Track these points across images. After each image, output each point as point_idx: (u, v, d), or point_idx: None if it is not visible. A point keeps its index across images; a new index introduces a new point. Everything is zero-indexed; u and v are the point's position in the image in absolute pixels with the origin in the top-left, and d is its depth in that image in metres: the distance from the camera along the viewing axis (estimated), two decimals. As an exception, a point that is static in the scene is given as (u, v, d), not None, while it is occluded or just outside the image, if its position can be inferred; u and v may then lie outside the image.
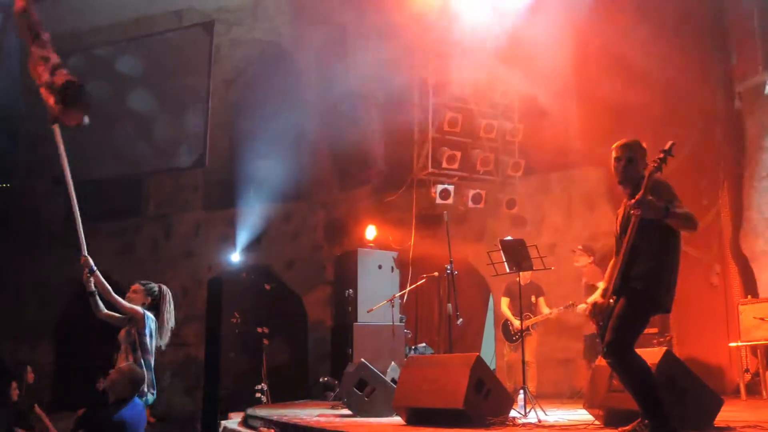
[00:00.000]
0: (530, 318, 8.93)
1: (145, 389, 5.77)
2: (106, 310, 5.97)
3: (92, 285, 5.84)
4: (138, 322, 5.85)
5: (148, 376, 5.78)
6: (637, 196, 4.25)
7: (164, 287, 6.23)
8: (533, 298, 9.12)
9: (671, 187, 4.42)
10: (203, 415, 11.87)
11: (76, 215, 6.14)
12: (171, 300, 6.19)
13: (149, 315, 5.93)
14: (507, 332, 9.40)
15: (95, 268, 5.87)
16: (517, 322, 8.81)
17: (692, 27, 10.29)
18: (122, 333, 5.92)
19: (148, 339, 5.86)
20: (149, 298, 6.07)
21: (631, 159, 4.55)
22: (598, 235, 10.94)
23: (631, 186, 4.52)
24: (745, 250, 9.92)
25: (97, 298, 5.90)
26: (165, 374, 13.21)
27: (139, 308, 5.89)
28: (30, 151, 15.70)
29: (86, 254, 5.95)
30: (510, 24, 10.99)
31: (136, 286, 6.10)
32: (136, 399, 5.58)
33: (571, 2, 10.45)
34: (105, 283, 5.88)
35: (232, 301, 11.88)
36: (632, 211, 4.29)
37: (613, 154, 4.64)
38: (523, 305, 8.17)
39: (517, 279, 7.63)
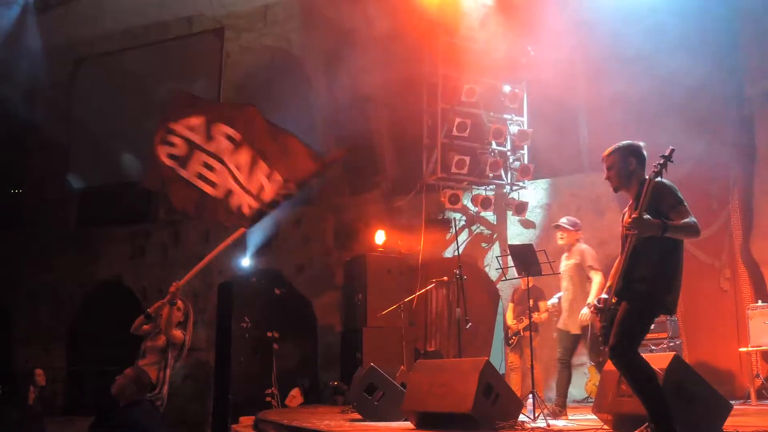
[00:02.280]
0: (524, 321, 8.98)
1: (158, 391, 5.90)
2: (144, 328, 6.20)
3: (156, 312, 6.05)
4: (179, 348, 6.03)
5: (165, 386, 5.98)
6: (633, 215, 4.28)
7: (189, 305, 6.55)
8: (532, 302, 9.18)
9: (675, 189, 4.43)
10: (213, 420, 11.91)
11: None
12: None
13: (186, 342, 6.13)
14: (506, 335, 9.51)
15: (176, 301, 6.06)
16: (512, 323, 8.92)
17: (703, 33, 10.27)
18: (156, 346, 6.05)
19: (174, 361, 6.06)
20: (184, 318, 6.28)
21: (611, 167, 4.65)
22: (608, 240, 10.92)
23: (635, 190, 4.55)
24: (755, 255, 9.90)
25: (147, 322, 6.12)
26: (175, 378, 13.26)
27: (182, 336, 6.07)
28: (42, 157, 15.82)
29: (179, 285, 6.22)
30: (519, 28, 11.04)
31: (181, 304, 6.29)
32: (147, 400, 5.67)
33: (582, 7, 10.48)
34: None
35: (243, 306, 11.92)
36: (627, 231, 4.33)
37: (605, 164, 4.74)
38: (522, 309, 8.23)
39: (520, 284, 7.69)
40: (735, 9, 10.51)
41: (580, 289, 7.31)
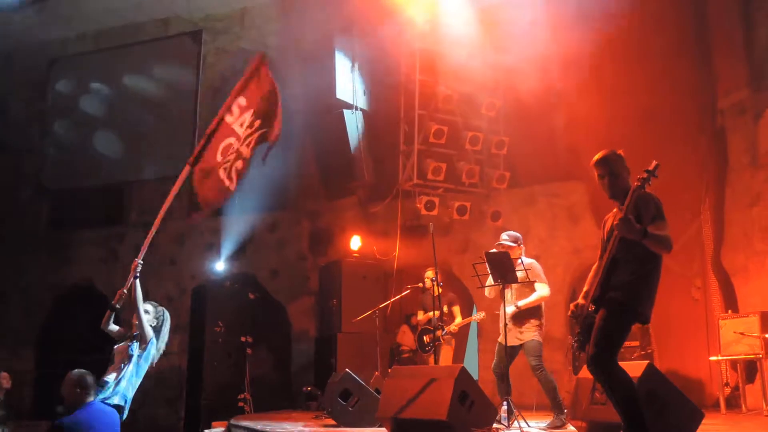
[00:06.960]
0: (441, 328, 9.06)
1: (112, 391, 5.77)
2: (112, 326, 6.06)
3: (121, 302, 5.91)
4: (144, 343, 5.94)
5: (131, 393, 5.85)
6: (619, 215, 4.35)
7: (166, 312, 6.35)
8: (446, 308, 9.22)
9: (659, 203, 4.46)
10: (185, 425, 11.82)
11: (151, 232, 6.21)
12: (169, 323, 6.27)
13: (155, 341, 6.00)
14: (421, 343, 9.69)
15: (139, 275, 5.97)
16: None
17: (676, 44, 10.41)
18: (121, 347, 5.98)
19: (143, 361, 5.94)
20: (156, 321, 6.15)
21: (612, 173, 4.61)
22: (582, 249, 11.04)
23: (621, 198, 4.56)
24: (726, 265, 10.02)
25: (113, 315, 5.99)
26: (147, 384, 13.12)
27: (151, 332, 5.97)
28: (14, 159, 15.62)
29: (141, 261, 6.05)
30: (497, 37, 11.10)
31: (148, 307, 6.18)
32: (93, 402, 5.54)
33: (558, 19, 10.56)
34: (140, 292, 5.98)
35: (216, 310, 11.84)
36: (615, 229, 4.39)
37: (595, 172, 4.69)
38: (436, 316, 8.46)
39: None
40: (707, 22, 10.67)
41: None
